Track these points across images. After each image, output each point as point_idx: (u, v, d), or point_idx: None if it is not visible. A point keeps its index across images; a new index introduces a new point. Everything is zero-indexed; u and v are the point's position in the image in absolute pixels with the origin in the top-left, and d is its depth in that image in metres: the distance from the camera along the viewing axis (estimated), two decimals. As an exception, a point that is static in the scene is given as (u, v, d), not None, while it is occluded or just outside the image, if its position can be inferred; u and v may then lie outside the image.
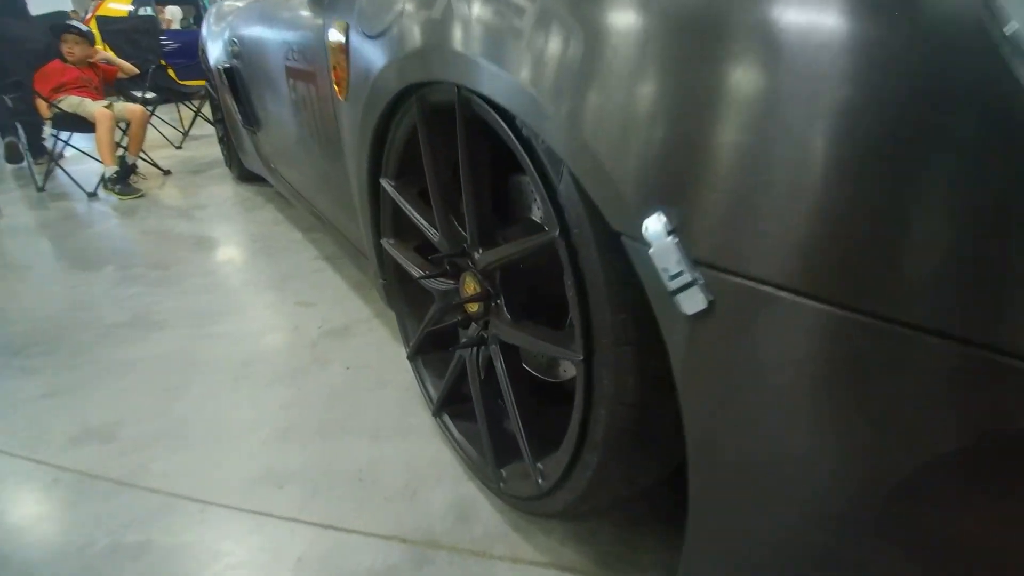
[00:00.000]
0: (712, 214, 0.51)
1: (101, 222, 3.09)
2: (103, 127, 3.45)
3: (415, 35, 0.92)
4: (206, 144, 4.84)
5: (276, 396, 1.53)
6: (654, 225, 0.55)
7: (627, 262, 0.62)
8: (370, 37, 1.10)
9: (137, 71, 4.25)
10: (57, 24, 3.75)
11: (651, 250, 0.56)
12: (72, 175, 3.62)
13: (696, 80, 0.50)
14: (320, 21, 1.40)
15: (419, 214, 1.14)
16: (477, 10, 0.76)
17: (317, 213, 2.06)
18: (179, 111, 5.47)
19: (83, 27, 3.76)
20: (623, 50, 0.57)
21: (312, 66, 1.52)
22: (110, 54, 4.20)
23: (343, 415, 1.45)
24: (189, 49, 6.84)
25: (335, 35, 1.27)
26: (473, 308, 1.06)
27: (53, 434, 1.44)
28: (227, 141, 3.57)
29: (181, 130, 5.24)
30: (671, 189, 0.54)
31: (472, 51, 0.77)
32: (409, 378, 1.47)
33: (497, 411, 1.11)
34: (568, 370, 1.08)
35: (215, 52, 2.98)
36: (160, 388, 1.60)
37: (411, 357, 1.39)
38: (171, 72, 6.32)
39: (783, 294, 0.47)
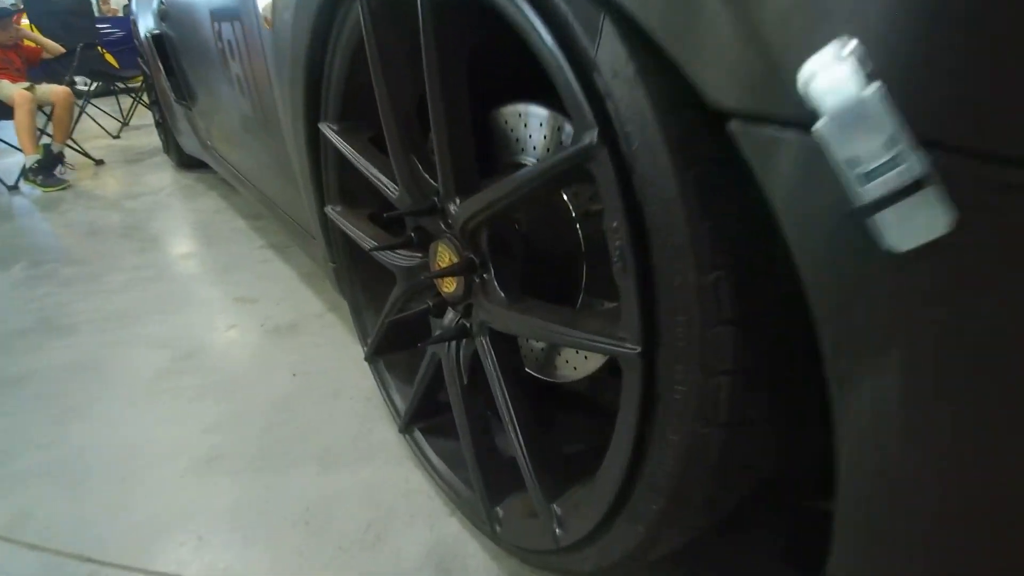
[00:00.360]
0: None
1: (17, 217, 2.71)
2: (22, 111, 3.06)
3: None
4: (146, 133, 4.43)
5: (203, 415, 1.22)
6: (831, 70, 0.27)
7: (731, 174, 0.34)
8: None
9: (63, 50, 3.84)
10: None
11: (821, 125, 0.28)
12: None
13: None
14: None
15: (372, 166, 0.84)
16: None
17: (262, 197, 1.74)
18: (119, 101, 5.04)
19: (5, 5, 3.34)
20: None
21: (242, 13, 1.20)
22: (36, 34, 3.76)
23: (287, 436, 1.14)
24: (131, 37, 6.38)
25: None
26: (449, 287, 0.76)
27: (-95, 475, 1.11)
28: (164, 124, 3.21)
29: (120, 119, 4.81)
30: None
31: None
32: (370, 384, 1.17)
33: (487, 426, 0.82)
34: (579, 367, 0.78)
35: (145, 22, 2.62)
36: (56, 409, 1.27)
37: (370, 358, 1.09)
38: (111, 60, 5.87)
39: None
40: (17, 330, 1.62)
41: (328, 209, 1.00)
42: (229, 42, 1.35)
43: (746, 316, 0.41)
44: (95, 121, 4.50)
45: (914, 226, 0.26)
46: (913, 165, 0.25)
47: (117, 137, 4.50)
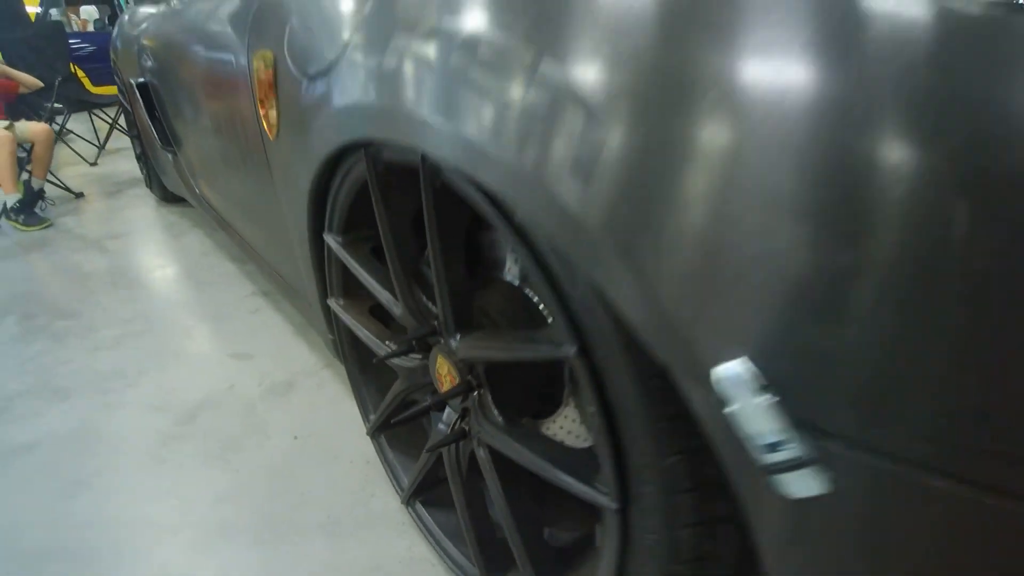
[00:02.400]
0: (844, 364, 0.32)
1: (2, 260, 2.72)
2: (3, 151, 3.06)
3: (365, 83, 0.69)
4: (124, 158, 4.43)
5: (207, 484, 1.28)
6: (734, 374, 0.36)
7: (683, 396, 0.43)
8: (306, 75, 0.86)
9: (41, 84, 3.83)
10: None
11: (731, 409, 0.37)
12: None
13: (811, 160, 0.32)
14: (244, 44, 1.15)
15: (374, 278, 0.91)
16: (456, 59, 0.54)
17: (247, 247, 1.80)
18: (93, 121, 5.01)
19: None
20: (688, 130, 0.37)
21: (236, 92, 1.26)
22: (10, 70, 3.75)
23: (291, 504, 1.21)
24: (103, 53, 6.33)
25: (261, 67, 1.03)
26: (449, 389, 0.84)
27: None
28: (145, 159, 3.23)
29: (96, 144, 4.79)
30: (767, 323, 0.35)
31: (445, 118, 0.55)
32: (369, 446, 1.25)
33: (486, 506, 0.90)
34: (576, 434, 0.85)
35: (128, 62, 2.65)
36: (61, 481, 1.32)
37: (372, 435, 1.16)
38: (83, 78, 5.82)
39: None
40: (18, 392, 1.66)
41: (331, 302, 1.08)
42: (227, 126, 1.40)
43: (703, 485, 0.50)
44: (70, 147, 4.49)
45: (802, 484, 0.35)
46: (797, 448, 0.35)
47: (95, 164, 4.49)
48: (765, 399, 0.35)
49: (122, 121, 4.09)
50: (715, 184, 0.35)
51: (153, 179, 3.23)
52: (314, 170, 0.89)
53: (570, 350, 0.52)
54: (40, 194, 3.30)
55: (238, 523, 1.17)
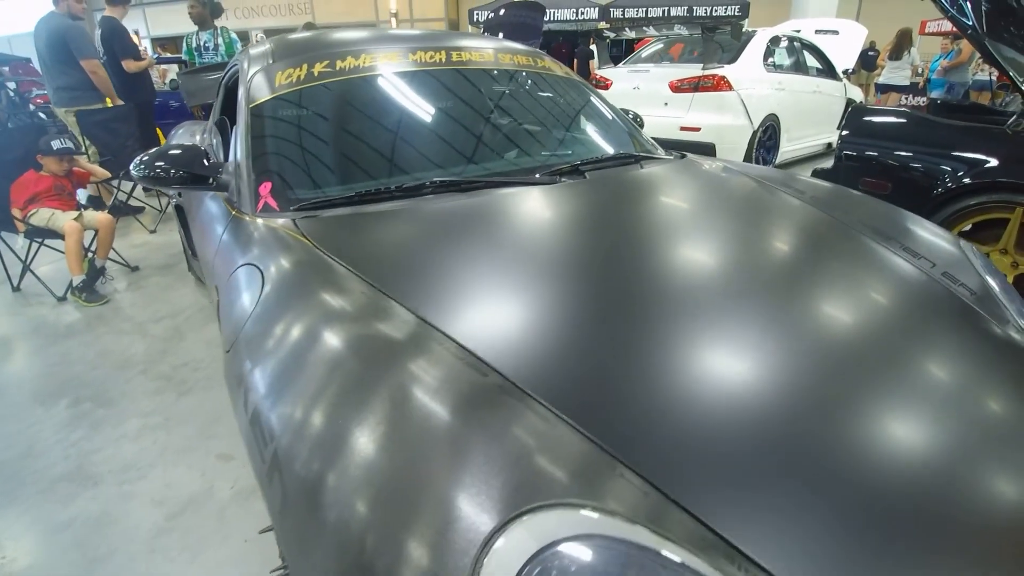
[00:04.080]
0: None
1: (65, 340, 3.35)
2: (71, 239, 3.73)
3: None
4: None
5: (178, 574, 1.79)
6: None
7: None
8: None
9: (109, 175, 4.55)
10: (45, 143, 3.98)
11: None
12: (43, 279, 3.91)
13: None
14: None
15: None
16: None
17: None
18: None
19: (69, 145, 4.03)
20: None
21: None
22: (84, 162, 4.47)
23: (231, 597, 1.71)
24: (179, 110, 7.17)
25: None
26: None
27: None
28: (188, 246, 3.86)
29: (159, 207, 5.51)
30: None
31: None
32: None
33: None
34: None
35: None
36: (86, 559, 1.85)
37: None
38: (161, 136, 6.59)
39: None
40: (62, 475, 2.23)
41: None
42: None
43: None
44: (136, 219, 5.21)
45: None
46: None
47: (154, 231, 5.21)
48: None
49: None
50: None
51: (191, 265, 3.85)
52: None
53: None
54: (101, 271, 3.98)
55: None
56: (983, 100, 10.85)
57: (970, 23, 3.16)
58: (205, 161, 1.85)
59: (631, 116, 2.89)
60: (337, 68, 2.06)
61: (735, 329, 1.08)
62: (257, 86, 2.02)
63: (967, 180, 3.01)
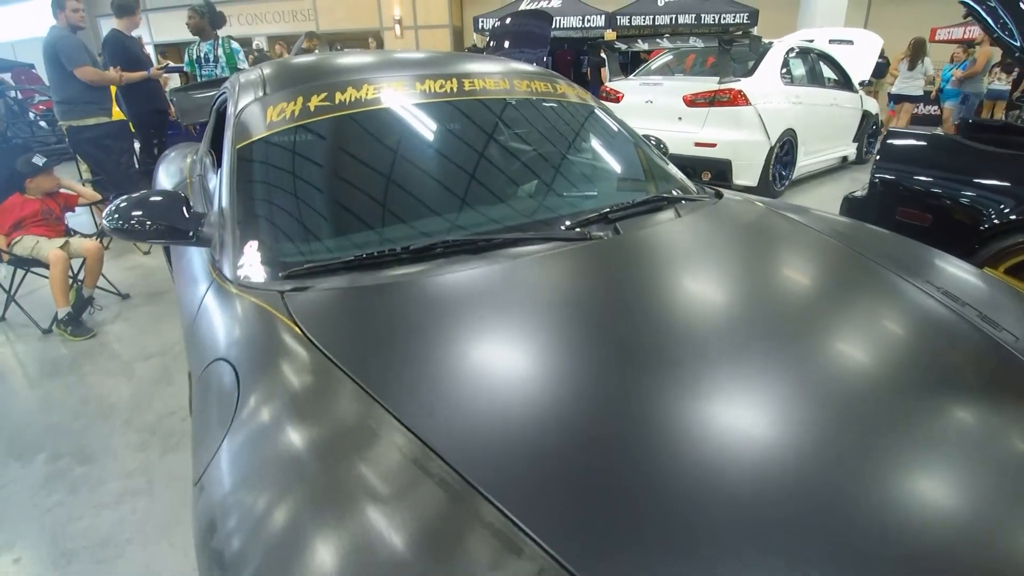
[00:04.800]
0: None
1: (47, 380, 3.14)
2: (57, 269, 3.52)
3: None
4: (172, 249, 4.92)
5: None
6: None
7: None
8: None
9: (99, 197, 4.34)
10: (25, 162, 3.79)
11: None
12: (31, 306, 3.71)
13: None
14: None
15: None
16: None
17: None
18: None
19: (43, 162, 3.83)
20: None
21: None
22: (72, 183, 4.27)
23: None
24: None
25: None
26: None
27: None
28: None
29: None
30: None
31: None
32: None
33: None
34: None
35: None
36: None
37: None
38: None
39: None
40: (34, 550, 2.01)
41: None
42: None
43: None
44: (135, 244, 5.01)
45: None
46: None
47: (147, 252, 5.00)
48: None
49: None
50: None
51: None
52: None
53: None
54: (89, 301, 3.76)
55: None
56: (999, 110, 10.63)
57: (1018, 45, 2.96)
58: (185, 211, 1.63)
59: (653, 142, 2.66)
60: (336, 101, 1.81)
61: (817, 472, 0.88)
62: (245, 122, 1.79)
63: (1013, 217, 2.79)
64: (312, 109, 1.78)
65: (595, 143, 2.29)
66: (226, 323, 1.32)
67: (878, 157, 3.29)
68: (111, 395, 2.94)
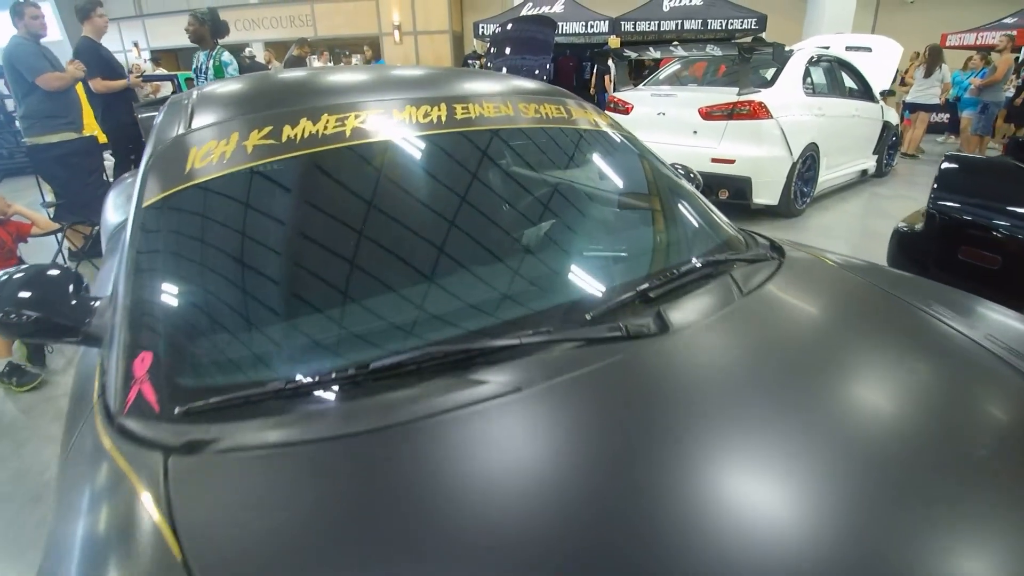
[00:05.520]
0: None
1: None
2: None
3: None
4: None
5: None
6: None
7: None
8: None
9: (56, 226, 3.91)
10: None
11: None
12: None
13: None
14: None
15: None
16: None
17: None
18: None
19: None
20: None
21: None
22: (24, 209, 3.84)
23: None
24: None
25: None
26: None
27: None
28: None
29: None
30: None
31: None
32: None
33: None
34: None
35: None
36: None
37: None
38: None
39: None
40: None
41: None
42: None
43: None
44: (94, 265, 4.59)
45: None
46: None
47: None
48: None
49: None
50: None
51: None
52: None
53: None
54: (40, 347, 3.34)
55: None
56: (999, 119, 10.12)
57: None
58: (73, 299, 1.21)
59: (682, 171, 2.21)
60: (284, 139, 1.30)
61: None
62: (157, 169, 1.32)
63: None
64: (249, 151, 1.28)
65: (623, 185, 1.84)
66: (89, 502, 0.89)
67: (935, 185, 2.86)
68: (47, 469, 2.50)
